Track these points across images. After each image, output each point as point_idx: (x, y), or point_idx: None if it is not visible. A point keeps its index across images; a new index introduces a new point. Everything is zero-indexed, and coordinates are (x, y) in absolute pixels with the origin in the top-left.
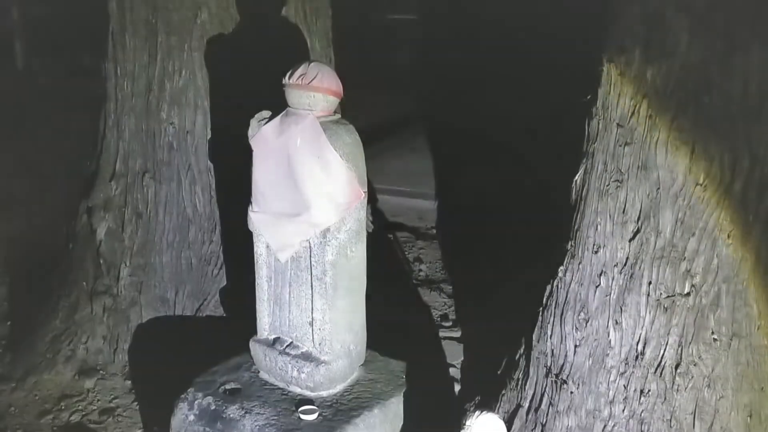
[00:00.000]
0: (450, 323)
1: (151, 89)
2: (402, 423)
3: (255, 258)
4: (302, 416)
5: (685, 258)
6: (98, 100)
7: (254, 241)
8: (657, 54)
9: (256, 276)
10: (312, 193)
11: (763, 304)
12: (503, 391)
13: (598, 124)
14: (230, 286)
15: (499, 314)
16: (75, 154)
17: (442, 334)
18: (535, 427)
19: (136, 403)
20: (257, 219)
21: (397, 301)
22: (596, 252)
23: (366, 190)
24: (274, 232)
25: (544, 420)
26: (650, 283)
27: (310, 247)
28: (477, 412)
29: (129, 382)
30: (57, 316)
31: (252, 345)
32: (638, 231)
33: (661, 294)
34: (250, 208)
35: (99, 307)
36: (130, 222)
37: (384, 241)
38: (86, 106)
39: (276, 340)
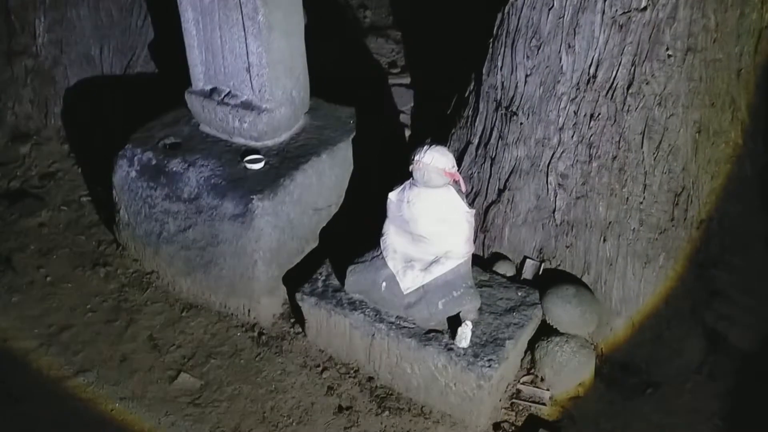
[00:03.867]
0: (398, 70)
1: None
2: (352, 168)
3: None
4: (248, 165)
5: None
6: None
7: None
8: None
9: (182, 20)
10: None
11: (720, 15)
12: (453, 131)
13: None
14: (159, 38)
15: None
16: None
17: (390, 81)
18: (484, 162)
19: (76, 166)
20: None
21: (343, 50)
22: None
23: None
24: None
25: (494, 153)
26: None
27: None
28: (425, 146)
29: (66, 146)
30: None
31: (188, 97)
32: None
33: (616, 11)
34: None
35: (20, 69)
36: None
37: None
38: None
39: (213, 90)
